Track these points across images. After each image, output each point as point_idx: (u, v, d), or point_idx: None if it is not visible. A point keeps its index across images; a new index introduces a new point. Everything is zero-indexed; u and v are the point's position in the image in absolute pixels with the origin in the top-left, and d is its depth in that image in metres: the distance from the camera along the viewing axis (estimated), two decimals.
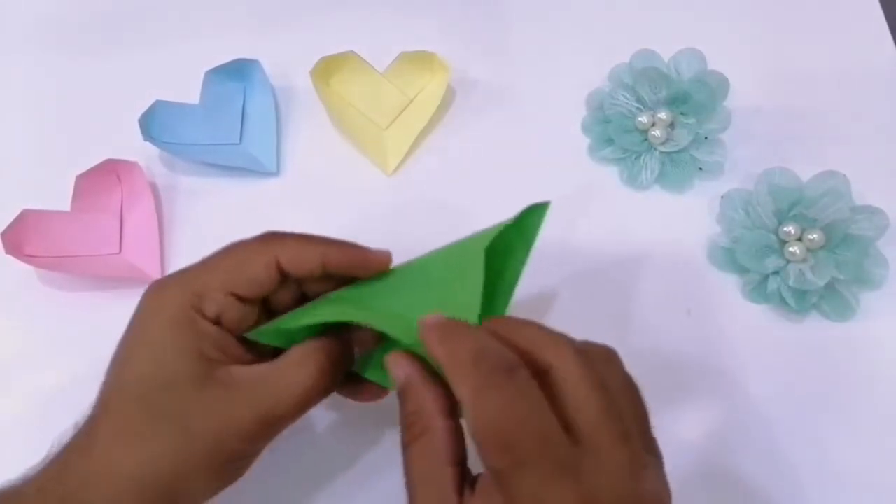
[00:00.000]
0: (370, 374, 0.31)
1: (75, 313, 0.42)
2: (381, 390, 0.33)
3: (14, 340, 0.42)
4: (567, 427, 0.24)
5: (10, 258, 0.40)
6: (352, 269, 0.31)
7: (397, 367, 0.28)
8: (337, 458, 0.38)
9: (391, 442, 0.37)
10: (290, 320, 0.30)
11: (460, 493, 0.25)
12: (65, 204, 0.44)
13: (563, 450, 0.23)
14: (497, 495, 0.24)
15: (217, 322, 0.29)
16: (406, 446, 0.27)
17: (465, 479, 0.26)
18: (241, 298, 0.30)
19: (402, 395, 0.28)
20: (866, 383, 0.39)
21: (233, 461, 0.29)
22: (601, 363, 0.27)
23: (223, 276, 0.30)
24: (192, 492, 0.28)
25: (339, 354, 0.30)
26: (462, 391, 0.24)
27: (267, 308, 0.32)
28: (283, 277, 0.31)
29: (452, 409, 0.27)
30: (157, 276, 0.42)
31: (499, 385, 0.24)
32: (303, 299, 0.33)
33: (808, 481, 0.37)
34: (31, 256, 0.41)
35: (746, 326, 0.40)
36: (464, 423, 0.26)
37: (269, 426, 0.28)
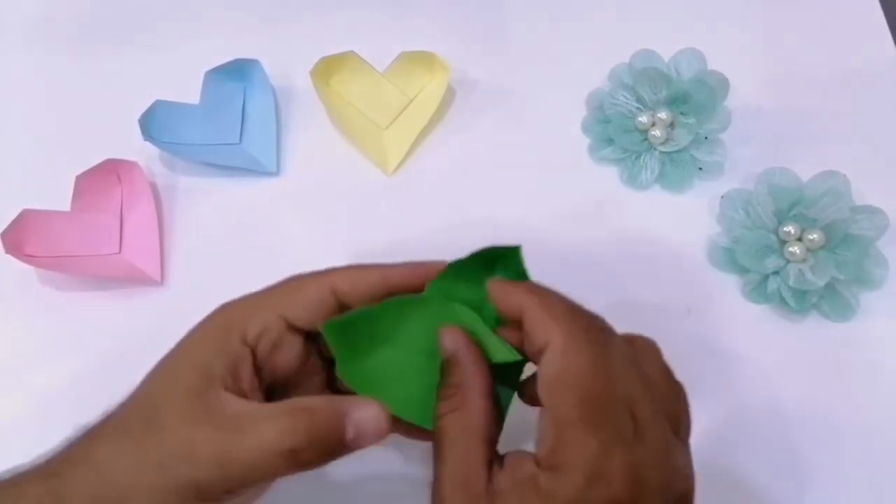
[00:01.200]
0: (399, 410, 0.29)
1: (75, 313, 0.42)
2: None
3: (14, 340, 0.42)
4: None
5: (10, 258, 0.40)
6: (414, 284, 0.30)
7: (447, 337, 0.28)
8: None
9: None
10: (355, 314, 0.29)
11: (489, 468, 0.25)
12: (65, 204, 0.44)
13: (629, 423, 0.24)
14: (527, 466, 0.25)
15: (253, 347, 0.29)
16: (440, 416, 0.27)
17: (494, 459, 0.26)
18: (290, 326, 0.29)
19: (447, 367, 0.28)
20: (866, 383, 0.39)
21: (186, 499, 0.26)
22: (643, 350, 0.28)
23: (279, 299, 0.30)
24: None
25: (327, 428, 0.27)
26: (555, 335, 0.25)
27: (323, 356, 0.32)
28: (341, 306, 0.30)
29: (492, 391, 0.27)
30: (156, 276, 0.42)
31: (597, 341, 0.25)
32: None
33: (808, 481, 0.37)
34: (31, 256, 0.41)
35: (746, 326, 0.40)
36: (538, 370, 0.26)
37: (224, 474, 0.26)
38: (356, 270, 0.30)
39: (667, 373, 0.28)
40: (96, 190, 0.44)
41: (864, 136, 0.45)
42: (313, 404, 0.27)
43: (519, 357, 0.28)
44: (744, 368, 0.39)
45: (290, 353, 0.30)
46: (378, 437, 0.27)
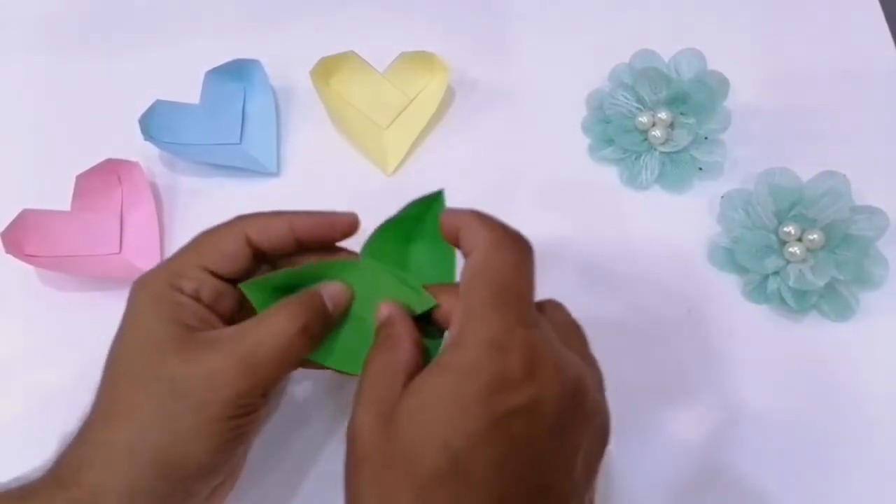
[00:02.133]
0: (332, 362, 0.32)
1: (75, 313, 0.42)
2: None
3: (14, 340, 0.42)
4: None
5: (10, 258, 0.40)
6: (320, 232, 0.32)
7: (383, 307, 0.30)
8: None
9: None
10: (279, 275, 0.31)
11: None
12: (65, 204, 0.44)
13: (532, 312, 0.27)
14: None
15: (196, 298, 0.30)
16: (371, 356, 0.29)
17: None
18: (216, 276, 0.31)
19: (380, 328, 0.30)
20: (866, 383, 0.39)
21: (223, 420, 0.28)
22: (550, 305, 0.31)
23: (196, 254, 0.31)
24: (189, 457, 0.27)
25: (321, 304, 0.30)
26: (483, 238, 0.28)
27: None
28: (257, 253, 0.31)
29: (420, 342, 0.29)
30: None
31: (519, 248, 0.28)
32: None
33: (807, 480, 0.37)
34: (31, 256, 0.41)
35: (746, 326, 0.40)
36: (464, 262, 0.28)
37: (251, 373, 0.28)
38: (265, 218, 0.32)
39: (564, 317, 0.31)
40: (96, 190, 0.44)
41: (864, 136, 0.45)
42: (295, 296, 0.30)
43: (435, 303, 0.31)
44: (743, 368, 0.39)
45: (229, 301, 0.31)
46: (346, 302, 0.31)
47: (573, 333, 0.30)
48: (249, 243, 0.31)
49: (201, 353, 0.28)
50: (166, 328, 0.29)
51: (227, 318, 0.31)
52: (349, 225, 0.33)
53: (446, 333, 0.30)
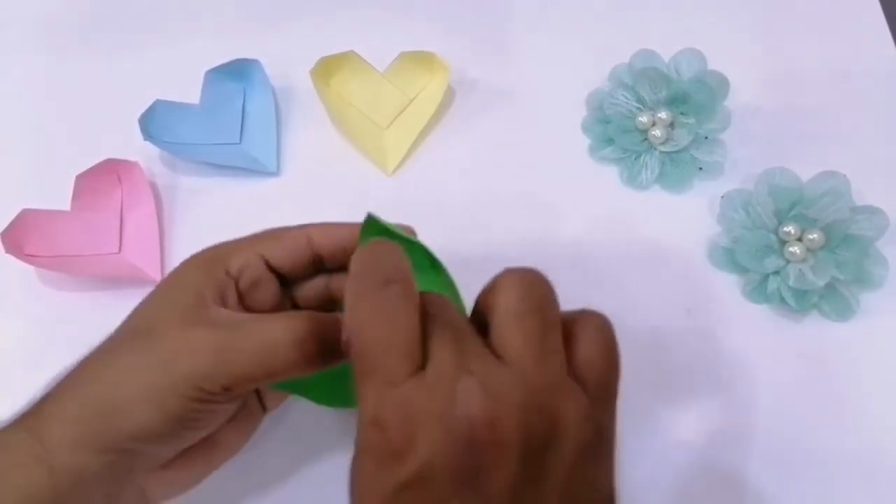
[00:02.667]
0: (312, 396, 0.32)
1: (75, 313, 0.42)
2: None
3: (14, 340, 0.42)
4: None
5: (10, 258, 0.40)
6: None
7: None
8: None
9: None
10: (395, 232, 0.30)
11: None
12: (65, 204, 0.44)
13: (401, 363, 0.23)
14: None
15: (236, 279, 0.30)
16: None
17: None
18: (269, 266, 0.31)
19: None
20: (866, 383, 0.39)
21: (176, 395, 0.27)
22: (494, 289, 0.26)
23: (257, 239, 0.32)
24: (134, 416, 0.27)
25: (330, 331, 0.28)
26: (348, 301, 0.25)
27: (294, 302, 0.33)
28: (316, 258, 0.32)
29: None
30: (157, 276, 0.42)
31: (371, 292, 0.25)
32: (327, 302, 0.33)
33: (807, 481, 0.37)
34: (31, 256, 0.41)
35: (746, 326, 0.40)
36: None
37: (219, 360, 0.27)
38: (331, 225, 0.32)
39: (516, 300, 0.25)
40: (96, 190, 0.44)
41: (864, 136, 0.45)
42: (310, 313, 0.29)
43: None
44: (744, 368, 0.39)
45: (266, 292, 0.31)
46: None
47: (510, 320, 0.24)
48: (311, 243, 0.32)
49: (191, 324, 0.28)
50: (186, 295, 0.29)
51: (260, 310, 0.31)
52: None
53: None
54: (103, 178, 0.44)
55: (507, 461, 0.22)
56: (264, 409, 0.34)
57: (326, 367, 0.28)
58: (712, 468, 0.37)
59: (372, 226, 0.30)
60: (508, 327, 0.24)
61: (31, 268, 0.42)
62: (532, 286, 0.25)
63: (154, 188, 0.45)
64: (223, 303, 0.30)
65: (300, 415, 0.38)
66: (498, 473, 0.22)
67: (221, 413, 0.30)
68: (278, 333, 0.28)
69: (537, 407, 0.23)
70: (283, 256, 0.31)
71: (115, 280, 0.43)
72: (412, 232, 0.33)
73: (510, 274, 0.26)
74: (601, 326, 0.26)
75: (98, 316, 0.42)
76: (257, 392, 0.34)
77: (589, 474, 0.24)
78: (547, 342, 0.24)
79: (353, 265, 0.26)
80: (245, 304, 0.31)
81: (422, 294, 0.25)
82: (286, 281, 0.33)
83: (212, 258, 0.31)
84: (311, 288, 0.33)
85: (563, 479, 0.23)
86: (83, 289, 0.43)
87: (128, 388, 0.27)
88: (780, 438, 0.38)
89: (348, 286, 0.25)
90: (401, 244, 0.27)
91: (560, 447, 0.23)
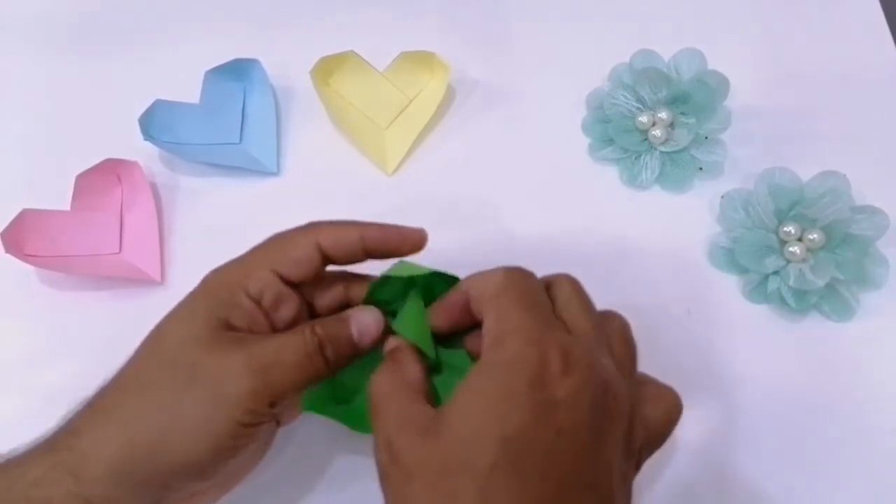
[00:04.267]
0: (324, 411, 0.32)
1: (75, 313, 0.42)
2: None
3: (14, 340, 0.42)
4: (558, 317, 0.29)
5: (10, 258, 0.40)
6: (390, 245, 0.32)
7: (391, 340, 0.31)
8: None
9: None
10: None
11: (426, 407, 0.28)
12: (65, 204, 0.44)
13: (552, 314, 0.29)
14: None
15: (258, 301, 0.31)
16: (375, 382, 0.29)
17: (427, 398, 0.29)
18: (284, 280, 0.31)
19: (386, 356, 0.31)
20: (866, 383, 0.39)
21: (226, 420, 0.28)
22: (602, 316, 0.31)
23: (267, 256, 0.32)
24: (180, 450, 0.27)
25: (345, 331, 0.31)
26: (495, 272, 0.29)
27: (311, 311, 0.33)
28: (325, 261, 0.32)
29: (426, 368, 0.30)
30: (156, 276, 0.42)
31: (528, 276, 0.30)
32: (343, 307, 0.33)
33: (808, 481, 0.37)
34: (31, 256, 0.41)
35: (746, 326, 0.40)
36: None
37: (261, 377, 0.28)
38: (337, 228, 0.32)
39: (624, 333, 0.31)
40: (96, 190, 0.44)
41: (864, 136, 0.45)
42: (323, 319, 0.31)
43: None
44: (744, 368, 0.39)
45: (291, 307, 0.32)
46: (376, 334, 0.32)
47: (622, 347, 0.30)
48: (320, 250, 0.31)
49: (226, 350, 0.28)
50: (209, 322, 0.29)
51: (285, 324, 0.32)
52: (420, 240, 0.33)
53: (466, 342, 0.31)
54: (103, 178, 0.44)
55: (612, 425, 0.27)
56: (278, 423, 0.34)
57: (350, 362, 0.31)
58: (712, 468, 0.37)
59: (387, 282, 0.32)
60: (580, 317, 0.29)
61: (31, 268, 0.42)
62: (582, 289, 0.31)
63: (154, 188, 0.45)
64: (253, 327, 0.30)
65: (310, 427, 0.38)
66: (607, 431, 0.27)
67: (263, 436, 0.31)
68: (303, 344, 0.29)
69: (633, 396, 0.29)
70: (294, 268, 0.31)
71: (115, 280, 0.43)
72: (423, 237, 0.33)
73: (565, 276, 0.31)
74: (675, 400, 0.31)
75: (98, 316, 0.42)
76: None
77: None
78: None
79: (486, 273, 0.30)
80: (272, 323, 0.31)
81: (547, 276, 0.31)
82: (299, 288, 0.33)
83: (228, 284, 0.31)
84: (330, 296, 0.33)
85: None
86: (83, 289, 0.43)
87: (174, 424, 0.27)
88: (779, 438, 0.38)
89: (488, 273, 0.29)
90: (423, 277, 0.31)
91: (642, 440, 0.29)
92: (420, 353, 0.31)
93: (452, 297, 0.31)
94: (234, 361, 0.28)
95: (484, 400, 0.26)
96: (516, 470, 0.25)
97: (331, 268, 0.33)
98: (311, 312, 0.33)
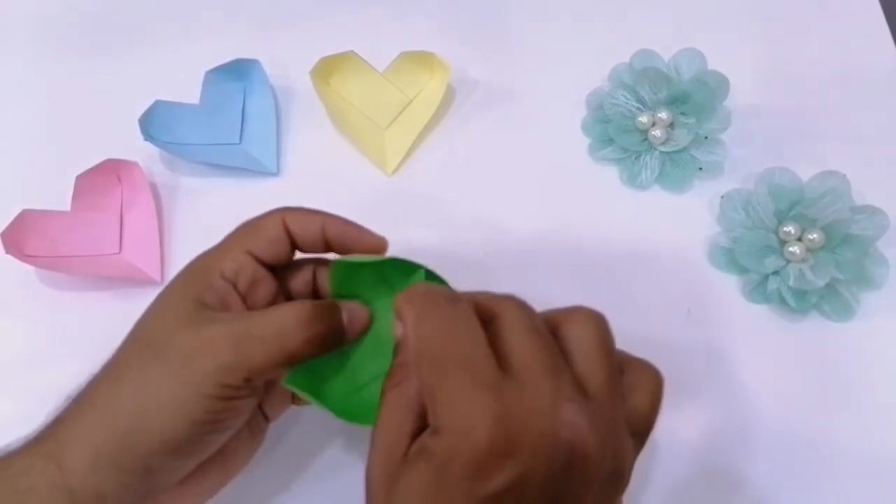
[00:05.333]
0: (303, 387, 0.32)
1: (75, 313, 0.42)
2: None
3: (14, 340, 0.42)
4: (502, 365, 0.25)
5: (10, 258, 0.40)
6: (346, 241, 0.33)
7: (398, 326, 0.30)
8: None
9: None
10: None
11: (413, 437, 0.26)
12: (65, 204, 0.44)
13: (488, 371, 0.25)
14: (431, 440, 0.25)
15: (233, 283, 0.31)
16: (384, 392, 0.28)
17: (421, 431, 0.27)
18: (258, 260, 0.32)
19: (397, 348, 0.30)
20: (866, 383, 0.39)
21: (200, 395, 0.28)
22: (571, 321, 0.27)
23: (240, 237, 0.32)
24: (157, 429, 0.28)
25: (336, 315, 0.31)
26: (409, 320, 0.27)
27: (286, 293, 0.34)
28: (293, 243, 0.32)
29: None
30: (157, 276, 0.42)
31: (439, 308, 0.27)
32: (315, 293, 0.34)
33: (808, 481, 0.37)
34: (31, 256, 0.41)
35: (746, 326, 0.40)
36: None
37: (238, 351, 0.28)
38: (302, 214, 0.33)
39: (597, 341, 0.27)
40: (96, 190, 0.44)
41: (864, 136, 0.45)
42: (313, 300, 0.31)
43: None
44: (744, 369, 0.39)
45: (265, 289, 0.32)
46: (364, 325, 0.32)
47: (593, 356, 0.26)
48: (288, 232, 0.32)
49: (198, 327, 0.29)
50: (185, 303, 0.30)
51: (262, 306, 0.32)
52: (377, 244, 0.33)
53: None
54: (103, 178, 0.44)
55: (590, 488, 0.24)
56: (267, 418, 0.34)
57: (335, 348, 0.31)
58: (712, 468, 0.37)
59: (341, 267, 0.32)
60: (592, 364, 0.26)
61: (31, 268, 0.42)
62: (607, 329, 0.27)
63: (154, 188, 0.45)
64: (227, 308, 0.30)
65: (303, 427, 0.39)
66: (573, 500, 0.24)
67: (241, 412, 0.30)
68: (290, 318, 0.29)
69: (612, 444, 0.25)
70: (266, 248, 0.32)
71: (115, 280, 0.43)
72: (382, 244, 0.33)
73: (586, 310, 0.28)
74: (656, 380, 0.28)
75: (98, 316, 0.42)
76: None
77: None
78: (619, 384, 0.27)
79: (411, 295, 0.28)
80: (249, 305, 0.32)
81: (492, 299, 0.28)
82: (274, 271, 0.33)
83: (204, 267, 0.31)
84: (301, 280, 0.34)
85: None
86: (83, 289, 0.43)
87: (147, 402, 0.28)
88: (779, 438, 0.38)
89: (407, 307, 0.27)
90: (376, 265, 0.31)
91: (618, 484, 0.26)
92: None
93: (398, 367, 0.29)
94: (203, 337, 0.28)
95: (420, 497, 0.24)
96: None
97: (300, 255, 0.34)
98: (287, 298, 0.34)
